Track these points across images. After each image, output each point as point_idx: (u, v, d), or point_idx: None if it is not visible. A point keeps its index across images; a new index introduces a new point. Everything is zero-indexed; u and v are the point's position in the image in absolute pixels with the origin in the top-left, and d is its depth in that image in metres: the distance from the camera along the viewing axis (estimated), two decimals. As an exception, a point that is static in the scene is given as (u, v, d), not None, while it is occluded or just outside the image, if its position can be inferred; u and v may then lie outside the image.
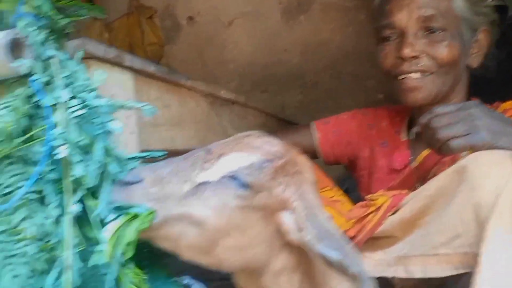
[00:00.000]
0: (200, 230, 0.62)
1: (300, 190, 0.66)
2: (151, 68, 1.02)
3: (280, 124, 1.83)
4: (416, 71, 1.09)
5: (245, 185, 0.64)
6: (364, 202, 1.02)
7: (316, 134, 1.36)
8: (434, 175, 0.92)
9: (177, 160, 0.67)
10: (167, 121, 1.10)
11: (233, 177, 0.64)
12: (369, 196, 1.01)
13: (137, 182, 0.62)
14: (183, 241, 0.63)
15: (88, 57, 0.82)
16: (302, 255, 0.67)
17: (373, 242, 0.97)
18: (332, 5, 2.27)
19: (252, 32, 2.32)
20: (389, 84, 1.17)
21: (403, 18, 1.09)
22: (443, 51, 1.07)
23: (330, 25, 2.27)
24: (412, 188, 1.08)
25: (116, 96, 0.85)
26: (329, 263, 0.59)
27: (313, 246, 0.60)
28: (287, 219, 0.65)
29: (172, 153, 0.74)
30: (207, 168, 0.65)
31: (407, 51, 1.07)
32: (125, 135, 0.85)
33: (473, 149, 0.84)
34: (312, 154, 1.36)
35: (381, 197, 0.98)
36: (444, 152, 0.88)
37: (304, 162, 0.71)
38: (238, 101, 1.47)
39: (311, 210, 0.65)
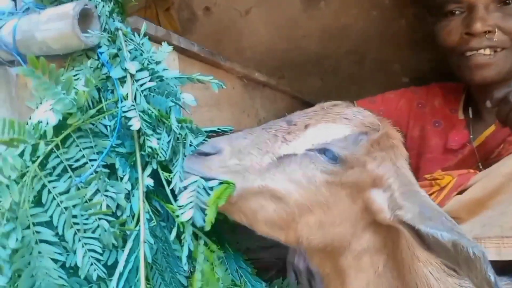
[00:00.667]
0: (281, 205, 0.59)
1: (395, 166, 0.61)
2: (194, 48, 1.01)
3: (304, 105, 1.82)
4: (487, 47, 1.03)
5: (338, 159, 0.59)
6: (425, 182, 0.98)
7: None
8: (499, 155, 0.90)
9: (257, 131, 0.63)
10: (207, 102, 1.08)
11: (323, 150, 0.59)
12: (429, 175, 0.98)
13: (215, 153, 0.60)
14: (261, 216, 0.60)
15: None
16: (388, 237, 0.63)
17: None
18: (353, -10, 2.22)
19: (269, 20, 2.30)
20: (450, 61, 1.11)
21: None
22: None
23: (351, 10, 2.24)
24: (474, 167, 1.05)
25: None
26: (436, 245, 0.53)
27: (415, 226, 0.55)
28: (378, 197, 0.60)
29: (212, 135, 0.72)
30: (291, 139, 0.61)
31: (478, 26, 1.00)
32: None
33: None
34: None
35: (446, 177, 0.94)
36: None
37: (397, 135, 0.66)
38: (270, 83, 1.45)
39: (409, 187, 0.59)
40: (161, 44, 0.89)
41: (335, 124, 0.61)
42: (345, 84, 2.15)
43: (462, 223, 0.88)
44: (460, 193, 0.91)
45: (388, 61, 2.07)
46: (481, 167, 1.02)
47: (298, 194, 0.59)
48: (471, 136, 1.14)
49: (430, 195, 0.92)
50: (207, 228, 0.56)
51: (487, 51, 1.03)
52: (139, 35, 0.70)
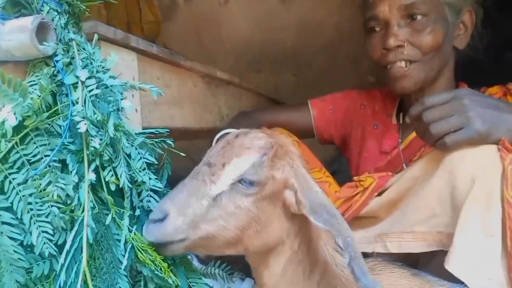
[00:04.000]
0: (227, 234, 0.78)
1: (293, 168, 0.81)
2: (153, 49, 1.14)
3: (272, 104, 1.97)
4: (401, 60, 1.19)
5: (253, 183, 0.78)
6: (352, 183, 1.15)
7: (313, 112, 1.48)
8: (420, 157, 1.05)
9: (188, 182, 0.80)
10: (167, 100, 1.23)
11: (241, 180, 0.78)
12: (356, 177, 1.14)
13: (164, 218, 0.76)
14: (215, 247, 0.80)
15: (102, 39, 0.94)
16: (302, 223, 0.84)
17: (357, 221, 1.11)
18: (329, -15, 2.35)
19: (248, 11, 2.42)
20: (380, 73, 1.29)
21: (385, 9, 1.18)
22: (427, 38, 1.16)
23: (326, 5, 2.37)
24: (400, 169, 1.22)
25: (123, 75, 0.98)
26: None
27: (309, 217, 0.76)
28: (288, 195, 0.81)
29: (173, 131, 0.88)
30: (216, 180, 0.78)
31: (390, 42, 1.17)
32: (129, 113, 0.98)
33: (469, 143, 0.88)
34: (308, 133, 1.49)
35: (368, 179, 1.11)
36: (439, 149, 0.92)
37: (286, 139, 0.85)
38: (233, 81, 1.59)
39: (305, 184, 0.79)
40: (120, 46, 1.03)
41: (242, 156, 0.80)
42: (318, 79, 2.30)
43: (380, 221, 1.04)
44: (380, 194, 1.07)
45: (358, 59, 2.22)
46: (405, 168, 1.18)
47: (236, 221, 0.79)
48: (400, 140, 1.31)
49: (355, 195, 1.08)
50: None
51: (402, 64, 1.20)
52: (92, 43, 0.84)
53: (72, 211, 0.75)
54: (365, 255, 1.07)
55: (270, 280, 0.87)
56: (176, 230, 0.76)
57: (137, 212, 0.81)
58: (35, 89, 0.76)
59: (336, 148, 1.60)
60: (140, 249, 0.77)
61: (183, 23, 2.59)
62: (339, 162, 1.63)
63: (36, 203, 0.72)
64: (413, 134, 1.25)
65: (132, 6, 2.36)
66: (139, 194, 0.82)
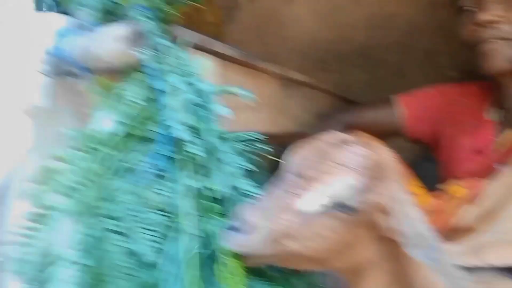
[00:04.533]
0: (311, 253, 0.74)
1: (391, 190, 0.75)
2: (234, 52, 1.16)
3: (348, 104, 1.93)
4: (493, 37, 1.15)
5: (352, 209, 0.73)
6: (439, 193, 1.09)
7: (401, 109, 1.43)
8: None
9: (274, 191, 0.76)
10: (246, 104, 1.24)
11: (337, 205, 0.73)
12: (443, 186, 1.08)
13: (247, 228, 0.73)
14: (295, 262, 0.78)
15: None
16: (395, 247, 0.77)
17: (450, 233, 1.05)
18: (401, -25, 2.28)
19: (314, 8, 2.39)
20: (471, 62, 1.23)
21: None
22: None
23: (399, -3, 2.28)
24: (494, 171, 1.14)
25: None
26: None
27: (405, 247, 0.72)
28: (384, 222, 0.75)
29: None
30: (305, 195, 0.73)
31: (481, 16, 1.14)
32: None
33: None
34: (394, 133, 1.44)
35: (457, 187, 1.06)
36: None
37: (387, 154, 0.80)
38: (308, 82, 1.58)
39: (402, 209, 0.74)
40: (203, 51, 1.06)
41: (339, 176, 0.73)
42: (391, 77, 2.22)
43: (475, 232, 0.98)
44: (471, 203, 1.00)
45: (436, 53, 2.12)
46: (500, 170, 1.10)
47: (323, 243, 0.74)
48: (494, 139, 1.22)
49: (443, 205, 1.02)
50: None
51: (493, 41, 1.16)
52: (181, 48, 0.87)
53: (172, 218, 0.76)
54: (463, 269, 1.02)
55: None
56: (259, 244, 0.73)
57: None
58: (130, 96, 0.79)
59: (417, 152, 1.54)
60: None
61: (246, 23, 2.59)
62: (423, 167, 1.55)
63: (138, 210, 0.74)
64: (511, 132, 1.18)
65: (192, 8, 2.41)
66: (236, 201, 0.82)
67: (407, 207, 0.75)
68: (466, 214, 1.01)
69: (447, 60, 2.16)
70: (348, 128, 1.43)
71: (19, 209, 0.94)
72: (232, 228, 0.75)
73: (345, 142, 0.78)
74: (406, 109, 1.43)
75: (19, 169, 0.93)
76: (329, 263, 0.78)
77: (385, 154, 0.80)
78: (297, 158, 0.79)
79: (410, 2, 2.23)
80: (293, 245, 0.73)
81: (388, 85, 2.25)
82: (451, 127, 1.37)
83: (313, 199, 0.73)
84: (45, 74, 0.88)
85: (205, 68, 0.86)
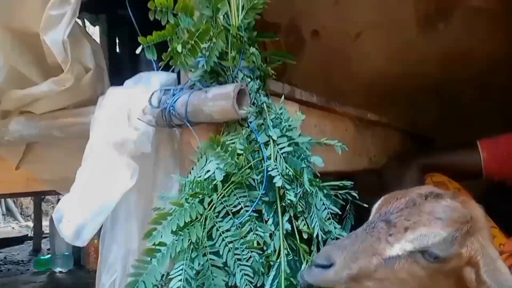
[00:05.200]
0: None
1: (482, 245, 0.83)
2: (314, 99, 1.30)
3: (416, 140, 2.00)
4: None
5: (438, 259, 0.80)
6: None
7: (482, 153, 1.50)
8: None
9: (360, 235, 0.85)
10: (321, 146, 1.37)
11: (425, 252, 0.80)
12: None
13: (329, 265, 0.82)
14: None
15: (271, 94, 1.12)
16: None
17: None
18: (476, 11, 2.30)
19: (381, 44, 2.44)
20: None
21: None
22: None
23: (474, 33, 2.30)
24: None
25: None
26: None
27: None
28: (469, 273, 0.83)
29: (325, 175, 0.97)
30: (393, 241, 0.81)
31: None
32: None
33: None
34: (474, 175, 1.50)
35: None
36: None
37: (478, 211, 0.87)
38: (381, 121, 1.69)
39: (492, 264, 0.81)
40: (286, 99, 1.21)
41: (432, 228, 0.81)
42: (466, 116, 2.26)
43: None
44: None
45: (515, 90, 2.13)
46: None
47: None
48: None
49: None
50: None
51: None
52: (278, 103, 1.02)
53: (268, 257, 0.90)
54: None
55: None
56: (338, 281, 0.81)
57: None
58: (237, 147, 0.94)
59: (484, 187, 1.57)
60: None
61: (310, 60, 2.67)
62: (497, 196, 1.60)
63: (239, 248, 0.89)
64: None
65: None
66: (324, 243, 0.95)
67: (496, 261, 0.82)
68: None
69: (527, 97, 2.18)
70: (426, 169, 1.52)
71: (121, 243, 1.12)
72: (316, 264, 0.83)
73: (438, 195, 0.86)
74: (486, 154, 1.48)
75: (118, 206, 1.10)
76: None
77: (476, 209, 0.87)
78: (388, 206, 0.87)
79: (488, 36, 2.26)
80: (371, 286, 0.81)
81: (462, 123, 2.29)
82: None
83: (400, 246, 0.81)
84: (148, 124, 1.04)
85: (300, 120, 1.00)
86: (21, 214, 6.81)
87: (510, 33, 2.18)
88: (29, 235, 5.22)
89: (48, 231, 4.13)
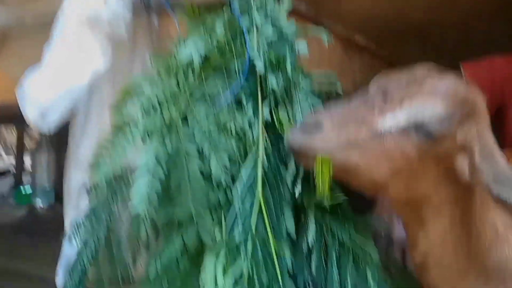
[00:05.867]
0: (374, 171, 0.72)
1: (478, 131, 0.72)
2: (303, 7, 1.19)
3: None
4: None
5: (432, 136, 0.70)
6: None
7: (464, 75, 1.41)
8: None
9: (354, 102, 0.75)
10: (308, 62, 1.27)
11: (419, 127, 0.70)
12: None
13: (317, 127, 0.72)
14: (356, 181, 0.75)
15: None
16: (465, 191, 0.76)
17: None
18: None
19: (371, -16, 2.34)
20: None
21: None
22: None
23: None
24: None
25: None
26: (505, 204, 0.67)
27: (489, 187, 0.68)
28: (461, 162, 0.72)
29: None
30: (386, 113, 0.71)
31: None
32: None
33: None
34: None
35: None
36: None
37: (480, 99, 0.76)
38: (369, 48, 1.59)
39: (488, 150, 0.71)
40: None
41: (430, 100, 0.71)
42: (448, 58, 2.18)
43: None
44: None
45: (499, 38, 2.06)
46: None
47: (391, 164, 0.72)
48: None
49: None
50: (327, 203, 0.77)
51: None
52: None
53: (246, 144, 0.81)
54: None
55: (423, 244, 0.81)
56: (323, 146, 0.71)
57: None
58: (219, 30, 0.83)
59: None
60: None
61: None
62: None
63: (216, 135, 0.80)
64: None
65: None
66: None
67: (494, 151, 0.71)
68: None
69: (506, 43, 2.11)
70: None
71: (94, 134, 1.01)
72: (302, 125, 0.74)
73: (442, 73, 0.76)
74: (468, 76, 1.39)
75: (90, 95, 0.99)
76: (387, 188, 0.75)
77: (479, 95, 0.76)
78: (387, 79, 0.77)
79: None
80: (357, 157, 0.71)
81: (444, 67, 2.22)
82: None
83: (393, 118, 0.71)
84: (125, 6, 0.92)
85: (286, 10, 0.89)
86: (4, 150, 6.61)
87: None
88: (11, 171, 5.07)
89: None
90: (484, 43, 2.19)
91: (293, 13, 1.18)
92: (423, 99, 0.71)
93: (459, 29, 2.26)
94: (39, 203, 3.57)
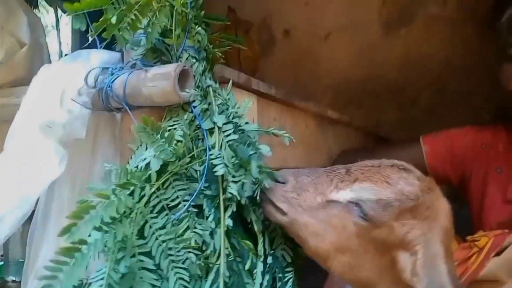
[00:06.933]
0: (319, 242, 0.75)
1: (426, 236, 0.72)
2: (272, 91, 1.15)
3: (378, 141, 1.89)
4: None
5: (366, 217, 0.73)
6: (466, 244, 1.04)
7: (425, 148, 1.37)
8: None
9: (320, 172, 0.79)
10: (281, 142, 1.22)
11: (357, 205, 0.73)
12: (470, 237, 1.03)
13: (282, 183, 0.78)
14: (305, 245, 0.78)
15: (224, 81, 0.97)
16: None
17: (476, 286, 0.98)
18: (436, 17, 2.27)
19: (348, 46, 2.39)
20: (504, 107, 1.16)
21: None
22: None
23: (433, 38, 2.27)
24: None
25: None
26: None
27: None
28: (403, 259, 0.72)
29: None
30: (342, 187, 0.75)
31: None
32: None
33: None
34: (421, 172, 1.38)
35: (483, 238, 1.00)
36: None
37: (441, 205, 0.76)
38: (343, 120, 1.55)
39: (431, 259, 0.70)
40: (242, 89, 1.05)
41: (376, 186, 0.74)
42: (424, 116, 2.17)
43: (501, 285, 0.91)
44: (499, 254, 0.93)
45: (470, 94, 2.06)
46: None
47: (333, 237, 0.75)
48: None
49: (471, 256, 0.96)
50: None
51: None
52: (226, 88, 0.86)
53: (207, 258, 0.74)
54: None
55: None
56: (281, 197, 0.77)
57: (269, 260, 0.79)
58: (178, 135, 0.78)
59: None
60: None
61: (281, 59, 2.64)
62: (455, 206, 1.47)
63: (174, 248, 0.72)
64: None
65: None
66: (271, 242, 0.79)
67: (438, 260, 0.70)
68: (492, 266, 0.94)
69: (480, 101, 2.11)
70: None
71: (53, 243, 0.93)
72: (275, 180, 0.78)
73: (405, 169, 0.77)
74: (429, 148, 1.36)
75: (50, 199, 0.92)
76: (332, 264, 0.76)
77: (439, 203, 0.76)
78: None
79: (446, 42, 2.20)
80: (306, 220, 0.75)
81: (420, 124, 2.20)
82: (479, 172, 1.29)
83: (344, 193, 0.75)
84: (83, 106, 0.87)
85: (247, 108, 0.85)
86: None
87: (466, 41, 2.12)
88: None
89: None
90: (459, 99, 2.19)
91: (266, 98, 1.15)
92: (370, 183, 0.74)
93: (434, 87, 2.26)
94: (11, 277, 3.35)
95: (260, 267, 0.76)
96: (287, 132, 0.85)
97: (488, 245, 0.98)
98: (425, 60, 2.28)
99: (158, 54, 0.88)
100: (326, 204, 0.75)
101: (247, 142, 0.78)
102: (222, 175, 0.75)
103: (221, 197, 0.76)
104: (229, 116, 0.81)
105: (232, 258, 0.76)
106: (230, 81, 0.87)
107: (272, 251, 0.80)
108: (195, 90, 0.81)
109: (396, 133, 2.18)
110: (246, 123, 0.82)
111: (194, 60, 0.84)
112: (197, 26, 0.86)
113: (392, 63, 2.29)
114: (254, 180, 0.75)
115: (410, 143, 1.41)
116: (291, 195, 0.77)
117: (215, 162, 0.76)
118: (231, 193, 0.74)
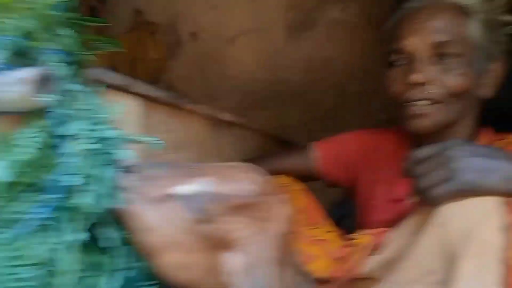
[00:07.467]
0: (149, 235, 0.69)
1: (256, 238, 0.67)
2: (157, 93, 1.11)
3: (280, 144, 1.92)
4: (423, 99, 1.10)
5: (193, 210, 0.69)
6: (347, 242, 1.06)
7: (316, 153, 1.41)
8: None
9: (175, 166, 0.75)
10: (171, 145, 1.18)
11: (188, 199, 0.69)
12: (352, 235, 1.06)
13: (130, 172, 0.72)
14: (137, 237, 0.70)
15: (108, 86, 0.91)
16: None
17: (354, 284, 1.01)
18: (337, 23, 2.37)
19: (254, 49, 2.43)
20: (396, 110, 1.20)
21: (415, 42, 1.10)
22: (456, 80, 1.07)
23: (335, 42, 2.37)
24: None
25: (127, 120, 0.95)
26: None
27: None
28: (226, 260, 0.67)
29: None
30: (184, 182, 0.71)
31: (414, 77, 1.08)
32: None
33: (458, 195, 0.81)
34: (312, 177, 1.42)
35: (363, 236, 1.02)
36: (429, 203, 0.85)
37: (283, 210, 0.72)
38: (239, 123, 1.55)
39: (254, 263, 0.66)
40: (126, 92, 1.00)
41: (215, 181, 0.70)
42: (326, 118, 2.27)
43: (377, 283, 0.95)
44: (376, 253, 0.98)
45: (369, 97, 2.19)
46: None
47: (167, 231, 0.68)
48: None
49: (349, 254, 1.00)
50: None
51: (423, 102, 1.10)
52: (94, 92, 0.81)
53: (58, 274, 0.69)
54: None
55: None
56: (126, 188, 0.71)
57: (128, 274, 0.75)
58: (24, 142, 0.71)
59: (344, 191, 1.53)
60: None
61: (188, 61, 2.62)
62: (349, 206, 1.55)
63: (15, 265, 0.66)
64: None
65: (137, 44, 2.37)
66: (130, 255, 0.76)
67: (262, 264, 0.66)
68: (369, 264, 0.97)
69: (378, 104, 2.23)
70: (274, 174, 1.38)
71: None
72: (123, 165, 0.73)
73: (243, 170, 0.73)
74: (320, 154, 1.41)
75: None
76: (166, 256, 0.68)
77: (284, 207, 0.72)
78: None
79: (346, 47, 2.30)
80: (139, 209, 0.69)
81: (322, 126, 2.29)
82: (368, 174, 1.35)
83: (184, 188, 0.70)
84: None
85: (120, 112, 0.80)
86: None
87: (364, 45, 2.24)
88: None
89: None
90: (358, 101, 2.31)
91: (150, 100, 1.11)
92: (211, 177, 0.70)
93: (336, 90, 2.37)
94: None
95: (115, 283, 0.72)
96: (162, 137, 0.80)
97: (367, 243, 0.99)
98: (327, 64, 2.37)
99: (19, 57, 0.81)
100: (165, 198, 0.69)
101: (106, 151, 0.74)
102: (76, 186, 0.71)
103: (75, 210, 0.72)
104: (93, 122, 0.76)
105: (85, 274, 0.71)
106: (102, 85, 0.82)
107: (132, 265, 0.76)
108: (56, 95, 0.75)
109: (300, 135, 2.25)
110: (110, 130, 0.77)
111: (60, 64, 0.78)
112: (66, 29, 0.80)
113: (297, 66, 2.36)
114: (109, 191, 0.72)
115: (302, 151, 1.44)
116: (135, 184, 0.70)
117: (68, 171, 0.71)
118: (84, 204, 0.70)
